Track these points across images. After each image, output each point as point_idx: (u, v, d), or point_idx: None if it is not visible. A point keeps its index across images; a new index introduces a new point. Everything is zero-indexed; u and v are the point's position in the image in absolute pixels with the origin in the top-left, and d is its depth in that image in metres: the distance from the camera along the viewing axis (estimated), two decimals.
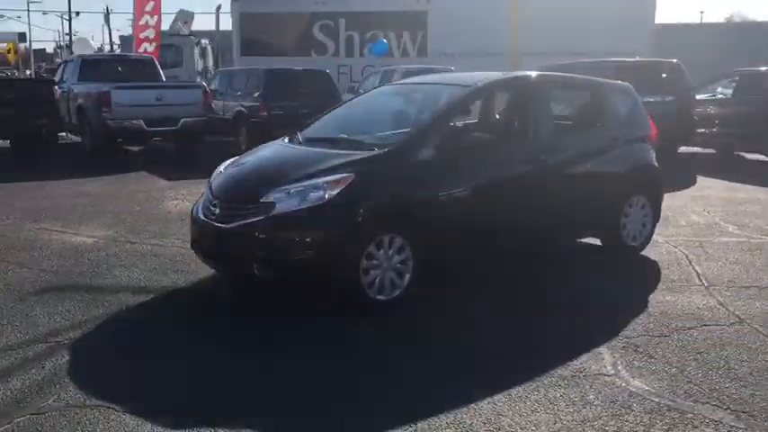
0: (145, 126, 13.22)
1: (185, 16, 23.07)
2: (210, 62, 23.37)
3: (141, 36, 18.71)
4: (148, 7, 18.75)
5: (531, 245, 6.22)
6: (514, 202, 5.80)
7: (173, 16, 22.73)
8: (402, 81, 6.69)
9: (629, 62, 13.85)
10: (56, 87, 13.88)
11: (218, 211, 5.25)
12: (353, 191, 4.97)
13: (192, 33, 22.82)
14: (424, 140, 5.38)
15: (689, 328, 4.86)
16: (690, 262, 6.56)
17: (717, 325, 4.94)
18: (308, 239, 4.92)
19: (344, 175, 5.03)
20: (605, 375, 4.11)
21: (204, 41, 22.84)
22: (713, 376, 4.11)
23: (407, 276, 5.22)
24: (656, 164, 6.89)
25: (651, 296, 5.56)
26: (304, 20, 22.45)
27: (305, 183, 5.02)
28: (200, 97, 13.88)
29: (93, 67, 14.74)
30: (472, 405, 3.73)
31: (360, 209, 4.99)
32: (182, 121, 13.46)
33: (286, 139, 6.18)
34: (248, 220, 5.00)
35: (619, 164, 6.54)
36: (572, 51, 18.73)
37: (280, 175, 5.21)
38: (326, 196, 4.92)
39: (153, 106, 13.27)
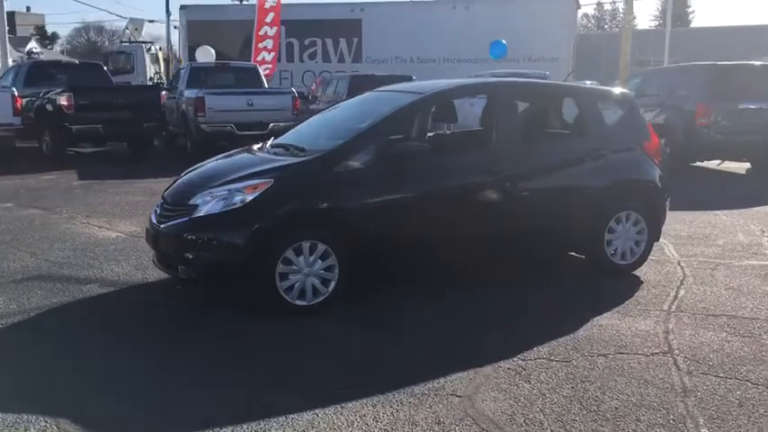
0: (236, 130, 13.98)
1: (135, 24, 24.36)
2: (162, 67, 24.51)
3: (260, 46, 19.71)
4: (268, 18, 19.73)
5: (488, 259, 6.01)
6: (464, 214, 5.64)
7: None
8: (386, 87, 6.68)
9: (727, 66, 12.75)
10: (162, 93, 15.03)
11: (159, 211, 5.56)
12: (270, 196, 5.08)
13: (143, 40, 24.27)
14: (357, 149, 5.38)
15: (599, 355, 4.53)
16: (680, 284, 6.05)
17: (634, 354, 4.55)
18: (224, 242, 5.08)
19: (263, 180, 5.16)
20: (457, 396, 3.95)
21: (155, 48, 24.14)
22: (573, 408, 3.82)
23: (332, 284, 5.25)
24: (654, 177, 6.39)
25: (597, 317, 5.20)
26: (247, 27, 23.25)
27: (228, 187, 5.20)
28: (289, 103, 14.46)
29: (201, 74, 15.81)
30: (294, 415, 3.71)
31: (276, 214, 5.09)
32: (271, 125, 14.07)
33: (257, 146, 6.38)
34: (175, 222, 5.25)
35: (601, 176, 6.13)
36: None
37: (212, 180, 5.43)
38: (244, 200, 5.06)
39: (244, 111, 14.01)
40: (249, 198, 5.07)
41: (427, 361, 4.46)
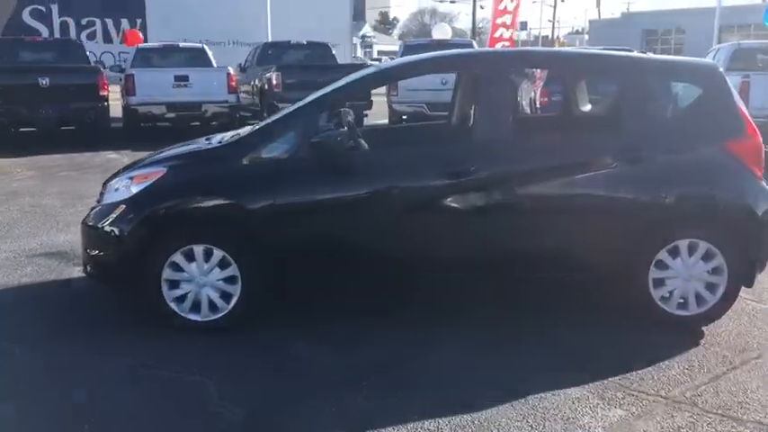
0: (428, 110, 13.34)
1: None
2: None
3: (498, 21, 18.39)
4: None
5: (455, 285, 4.55)
6: (413, 226, 4.30)
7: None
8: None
9: None
10: None
11: None
12: (157, 188, 4.30)
13: None
14: (271, 137, 4.35)
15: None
16: (757, 358, 4.00)
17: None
18: (106, 238, 4.41)
19: (155, 169, 4.40)
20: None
21: None
22: None
23: (234, 299, 4.33)
24: (743, 191, 4.30)
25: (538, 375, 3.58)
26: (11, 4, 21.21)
27: (129, 174, 4.53)
28: None
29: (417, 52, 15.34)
30: None
31: (162, 209, 4.30)
32: None
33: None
34: (88, 212, 4.71)
35: (643, 186, 4.25)
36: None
37: (133, 164, 4.80)
38: (130, 191, 4.37)
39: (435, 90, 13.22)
40: (136, 189, 4.35)
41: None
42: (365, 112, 14.88)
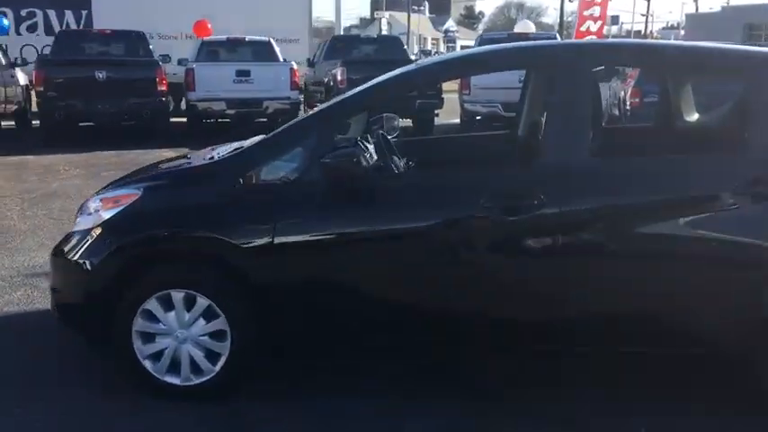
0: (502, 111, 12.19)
1: None
2: None
3: (585, 14, 16.94)
4: None
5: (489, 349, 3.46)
6: (446, 273, 3.24)
7: None
8: None
9: None
10: None
11: None
12: (129, 216, 3.40)
13: None
14: (273, 155, 3.36)
15: None
16: None
17: None
18: (71, 275, 3.54)
19: (129, 192, 3.48)
20: None
21: None
22: None
23: (222, 359, 3.37)
24: None
25: None
26: None
27: (102, 195, 3.65)
28: None
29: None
30: None
31: (133, 243, 3.39)
32: None
33: None
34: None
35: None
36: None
37: (112, 184, 3.91)
38: (102, 217, 3.47)
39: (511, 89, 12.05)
40: (106, 215, 3.45)
41: None
42: (436, 112, 13.88)
